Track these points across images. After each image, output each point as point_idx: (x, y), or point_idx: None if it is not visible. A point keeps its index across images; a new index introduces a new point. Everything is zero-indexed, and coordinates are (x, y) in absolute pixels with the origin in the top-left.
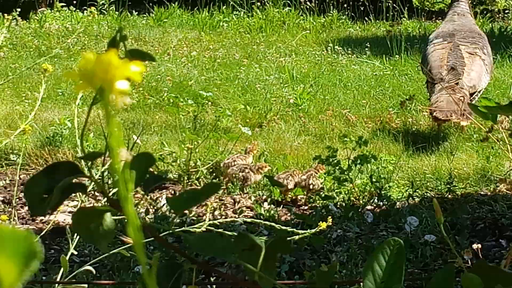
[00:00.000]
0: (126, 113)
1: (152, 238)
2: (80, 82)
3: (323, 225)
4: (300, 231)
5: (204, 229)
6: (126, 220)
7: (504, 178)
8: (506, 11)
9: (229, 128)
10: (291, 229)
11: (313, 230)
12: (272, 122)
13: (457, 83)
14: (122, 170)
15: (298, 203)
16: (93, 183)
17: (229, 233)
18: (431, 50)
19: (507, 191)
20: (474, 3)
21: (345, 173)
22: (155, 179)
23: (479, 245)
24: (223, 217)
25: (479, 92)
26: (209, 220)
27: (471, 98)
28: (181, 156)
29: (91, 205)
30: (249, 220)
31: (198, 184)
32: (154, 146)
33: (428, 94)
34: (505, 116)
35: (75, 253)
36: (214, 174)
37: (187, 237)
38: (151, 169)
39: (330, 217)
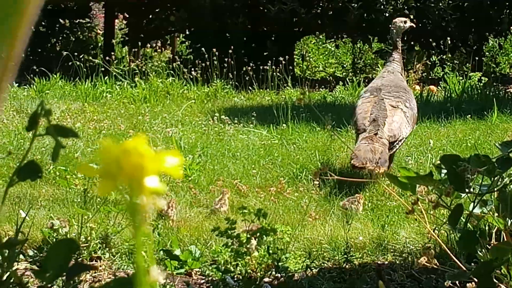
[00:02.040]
0: (11, 187)
1: None
2: (101, 180)
3: None
4: None
5: None
6: None
7: (427, 252)
8: None
9: (119, 200)
10: None
11: None
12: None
13: (376, 134)
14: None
15: (194, 276)
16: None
17: None
18: (359, 103)
19: (427, 264)
20: (356, 72)
21: (244, 245)
22: (79, 267)
23: None
24: None
25: (400, 140)
26: None
27: (392, 146)
28: (71, 231)
29: None
30: None
31: (88, 260)
32: (42, 221)
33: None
34: (424, 186)
35: None
36: (107, 248)
37: None
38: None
39: None
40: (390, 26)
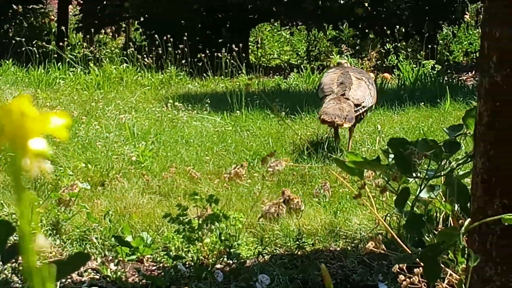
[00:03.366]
0: None
1: None
2: None
3: None
4: None
5: None
6: None
7: (374, 237)
8: None
9: (71, 186)
10: None
11: None
12: (114, 180)
13: (343, 94)
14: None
15: (145, 263)
16: None
17: None
18: (325, 75)
19: (375, 249)
20: (311, 59)
21: (196, 231)
22: (16, 250)
23: None
24: (68, 280)
25: (363, 107)
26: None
27: (356, 109)
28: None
29: None
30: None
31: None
32: None
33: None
34: (372, 171)
35: None
36: (57, 235)
37: None
38: None
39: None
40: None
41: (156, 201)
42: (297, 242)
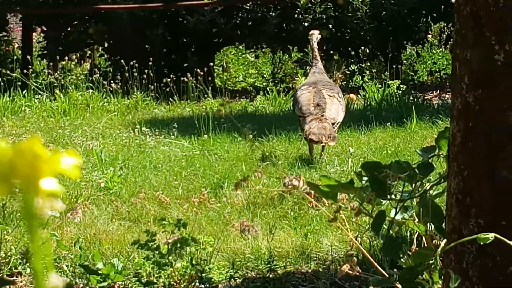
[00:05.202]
0: None
1: None
2: None
3: None
4: None
5: None
6: None
7: (349, 259)
8: None
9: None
10: None
11: None
12: (83, 207)
13: (322, 115)
14: None
15: None
16: None
17: None
18: (300, 94)
19: (350, 271)
20: (276, 81)
21: (165, 257)
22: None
23: None
24: None
25: (337, 123)
26: None
27: (333, 126)
28: None
29: None
30: None
31: (9, 276)
32: None
33: (300, 126)
34: (346, 194)
35: None
36: (27, 263)
37: None
38: None
39: None
40: (309, 37)
41: (126, 227)
42: (269, 265)
